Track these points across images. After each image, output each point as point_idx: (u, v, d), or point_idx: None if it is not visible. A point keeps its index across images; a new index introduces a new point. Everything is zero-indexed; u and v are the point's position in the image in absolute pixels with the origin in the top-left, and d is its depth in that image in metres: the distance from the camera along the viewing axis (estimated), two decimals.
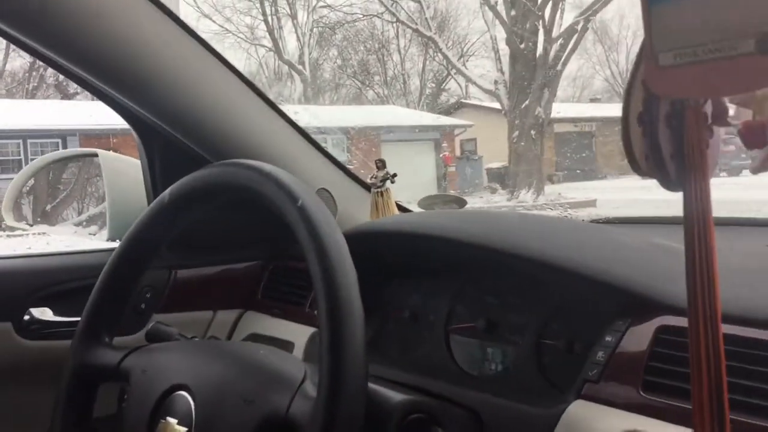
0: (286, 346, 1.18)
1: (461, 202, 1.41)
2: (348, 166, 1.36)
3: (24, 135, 12.35)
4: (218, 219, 1.13)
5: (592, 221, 1.24)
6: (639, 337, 0.77)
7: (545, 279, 0.90)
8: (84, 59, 1.01)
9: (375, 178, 1.34)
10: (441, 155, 16.23)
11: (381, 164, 1.35)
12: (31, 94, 18.05)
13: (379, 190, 1.34)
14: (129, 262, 0.89)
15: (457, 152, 17.96)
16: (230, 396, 0.72)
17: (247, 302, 1.36)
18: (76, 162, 1.54)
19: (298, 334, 1.18)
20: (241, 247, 1.35)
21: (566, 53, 13.40)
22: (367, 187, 1.38)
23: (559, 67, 13.37)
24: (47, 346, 1.17)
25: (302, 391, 0.70)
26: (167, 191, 0.84)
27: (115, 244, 0.94)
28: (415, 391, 0.84)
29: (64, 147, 12.00)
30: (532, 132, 12.77)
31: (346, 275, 0.64)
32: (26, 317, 1.18)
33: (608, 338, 0.79)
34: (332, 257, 0.64)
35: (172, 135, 1.17)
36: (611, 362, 0.77)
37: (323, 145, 1.35)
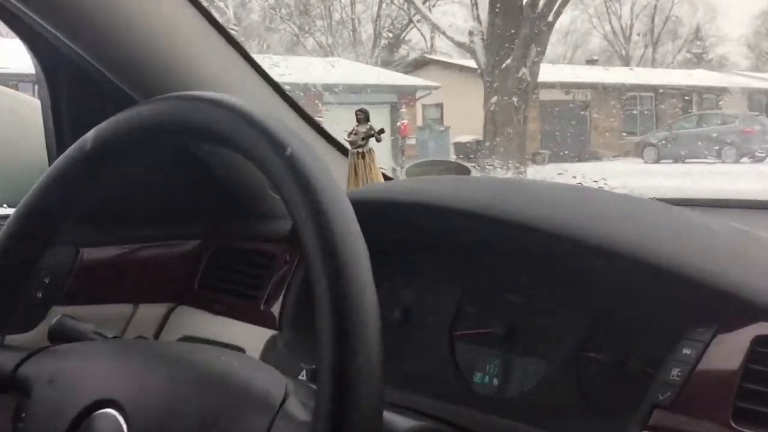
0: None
1: (464, 171, 1.38)
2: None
3: None
4: (141, 181, 1.12)
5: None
6: (728, 351, 0.77)
7: (592, 270, 0.90)
8: None
9: (355, 134, 1.31)
10: (398, 124, 16.16)
11: (363, 116, 1.32)
12: None
13: (359, 150, 1.31)
14: (25, 235, 0.86)
15: (419, 121, 17.94)
16: (181, 416, 0.69)
17: (179, 294, 1.37)
18: None
19: (249, 337, 1.19)
20: (171, 221, 1.36)
21: (559, 2, 13.43)
22: (342, 150, 1.37)
23: (550, 19, 13.34)
24: None
25: (285, 413, 0.68)
26: (90, 134, 0.81)
27: (5, 211, 0.93)
28: (417, 415, 0.83)
29: None
30: (514, 99, 12.70)
31: (358, 258, 0.61)
32: None
33: (685, 351, 0.78)
34: (339, 232, 0.61)
35: (91, 65, 1.16)
36: (690, 383, 0.77)
37: None
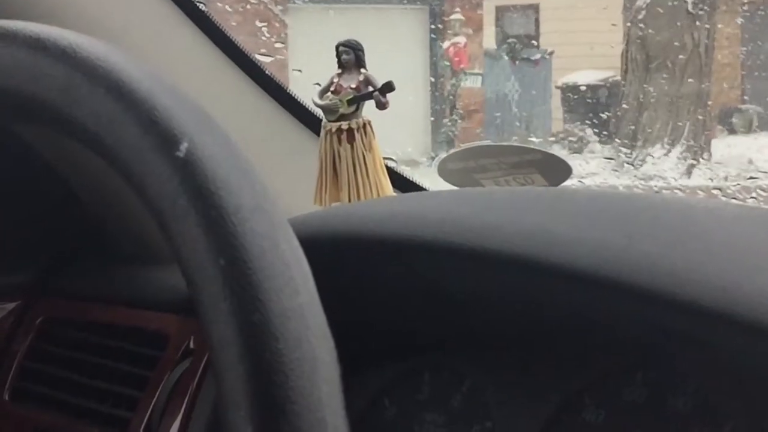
0: None
1: (556, 169, 1.00)
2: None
3: None
4: None
5: None
6: None
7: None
8: None
9: (334, 91, 0.92)
10: (444, 46, 10.59)
11: (350, 54, 0.93)
12: None
13: (343, 124, 0.93)
14: None
15: (488, 40, 10.58)
16: None
17: None
18: None
19: None
20: None
21: None
22: (308, 119, 1.04)
23: None
24: None
25: None
26: None
27: None
28: None
29: None
30: (687, 2, 7.44)
31: (315, 360, 0.48)
32: None
33: None
34: (279, 311, 0.47)
35: None
36: None
37: None
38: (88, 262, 1.11)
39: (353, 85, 0.92)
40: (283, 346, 0.47)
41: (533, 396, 0.81)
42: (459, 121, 9.45)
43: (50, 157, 1.04)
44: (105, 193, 1.06)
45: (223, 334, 0.48)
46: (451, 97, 9.75)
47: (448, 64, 9.90)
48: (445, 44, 9.94)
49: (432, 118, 9.58)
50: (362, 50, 0.93)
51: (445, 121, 9.26)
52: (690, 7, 6.73)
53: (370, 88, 0.92)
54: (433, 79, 9.98)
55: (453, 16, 10.05)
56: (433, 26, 10.27)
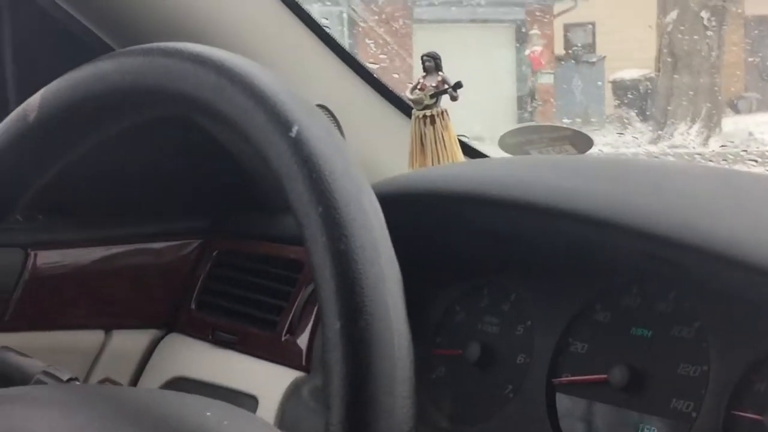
0: (243, 401, 1.10)
1: (582, 141, 1.20)
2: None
3: None
4: (116, 159, 1.03)
5: None
6: None
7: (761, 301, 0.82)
8: None
9: (420, 89, 1.14)
10: (526, 53, 12.90)
11: (432, 64, 1.14)
12: None
13: (427, 112, 1.14)
14: None
15: (558, 48, 14.02)
16: None
17: (168, 317, 1.27)
18: None
19: (265, 380, 1.12)
20: (159, 213, 1.27)
21: None
22: (404, 108, 1.22)
23: None
24: None
25: None
26: (35, 99, 0.74)
27: None
28: None
29: None
30: (704, 14, 10.32)
31: (383, 278, 0.57)
32: None
33: None
34: (359, 243, 0.57)
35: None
36: None
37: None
38: (248, 211, 1.30)
39: (434, 84, 1.14)
40: (360, 266, 0.56)
41: (559, 304, 0.99)
42: (537, 107, 11.93)
43: (222, 139, 1.19)
44: (256, 162, 1.26)
45: (320, 260, 0.57)
46: (530, 90, 12.41)
47: (528, 66, 12.79)
48: (526, 51, 12.84)
49: (516, 106, 11.89)
50: (439, 58, 1.15)
51: (528, 107, 11.77)
52: (705, 22, 8.40)
53: (446, 86, 1.13)
54: (517, 72, 12.69)
55: (532, 31, 13.16)
56: (517, 39, 13.20)
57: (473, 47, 12.31)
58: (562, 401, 0.96)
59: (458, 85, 1.14)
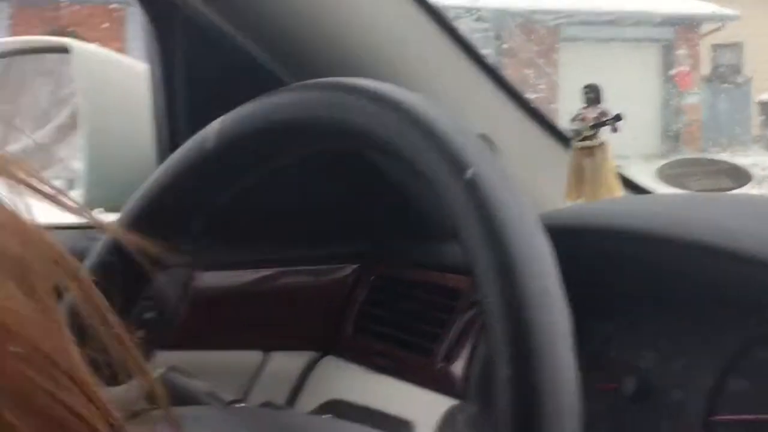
0: (399, 426, 1.10)
1: (740, 175, 1.18)
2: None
3: None
4: (282, 187, 1.03)
5: None
6: None
7: None
8: None
9: (580, 120, 1.13)
10: (672, 72, 12.82)
11: (592, 93, 1.13)
12: None
13: (587, 144, 1.12)
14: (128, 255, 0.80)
15: (704, 69, 13.65)
16: None
17: (326, 340, 1.27)
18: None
19: (420, 406, 1.10)
20: (320, 239, 1.27)
21: None
22: (563, 139, 1.20)
23: None
24: None
25: None
26: (213, 126, 0.77)
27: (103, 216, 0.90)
28: None
29: None
30: None
31: (554, 321, 0.57)
32: None
33: None
34: (530, 295, 0.58)
35: (224, 22, 1.08)
36: None
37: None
38: (406, 238, 1.30)
39: (594, 116, 1.14)
40: (531, 313, 0.58)
41: (719, 341, 0.97)
42: (682, 127, 12.29)
43: (390, 170, 1.20)
44: (420, 192, 1.22)
45: (493, 305, 0.60)
46: (676, 110, 12.59)
47: (674, 86, 12.75)
48: (672, 71, 12.87)
49: (661, 125, 12.46)
50: (599, 91, 1.15)
51: (673, 127, 12.10)
52: None
53: (606, 118, 1.13)
54: (663, 93, 12.93)
55: (679, 51, 12.98)
56: (664, 59, 13.34)
57: (619, 65, 12.14)
58: None
59: (618, 118, 1.13)
